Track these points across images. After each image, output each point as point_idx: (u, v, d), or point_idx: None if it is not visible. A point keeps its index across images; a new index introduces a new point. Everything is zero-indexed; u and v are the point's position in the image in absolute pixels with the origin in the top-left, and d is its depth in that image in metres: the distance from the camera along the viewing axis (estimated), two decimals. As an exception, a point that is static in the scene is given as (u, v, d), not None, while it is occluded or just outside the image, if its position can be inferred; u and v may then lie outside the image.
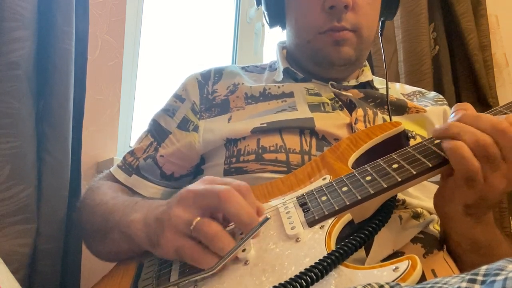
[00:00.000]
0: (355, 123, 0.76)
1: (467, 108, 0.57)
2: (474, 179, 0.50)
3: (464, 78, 1.52)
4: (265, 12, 0.89)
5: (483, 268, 0.31)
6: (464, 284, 0.30)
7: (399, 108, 0.83)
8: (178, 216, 0.52)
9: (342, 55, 0.79)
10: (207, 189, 0.52)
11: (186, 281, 0.52)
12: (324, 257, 0.45)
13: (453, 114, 0.57)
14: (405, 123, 0.80)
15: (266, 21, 0.91)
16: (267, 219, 0.49)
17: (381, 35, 0.90)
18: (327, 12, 0.77)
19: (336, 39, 0.78)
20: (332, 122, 0.76)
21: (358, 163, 0.63)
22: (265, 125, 0.76)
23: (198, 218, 0.51)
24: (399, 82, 1.36)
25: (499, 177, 0.50)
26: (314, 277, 0.43)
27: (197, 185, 0.55)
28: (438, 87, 1.47)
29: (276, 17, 0.88)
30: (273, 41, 0.96)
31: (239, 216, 0.51)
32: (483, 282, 0.30)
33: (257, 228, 0.50)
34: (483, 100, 1.47)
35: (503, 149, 0.50)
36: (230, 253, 0.49)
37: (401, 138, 0.66)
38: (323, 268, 0.44)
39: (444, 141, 0.52)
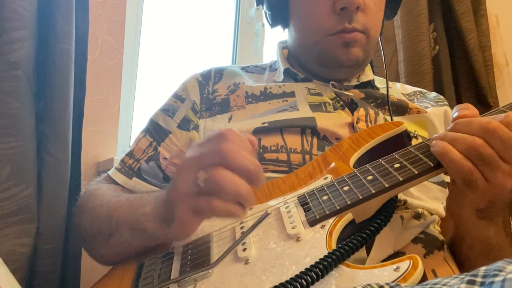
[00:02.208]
0: (356, 123, 0.76)
1: (468, 108, 0.57)
2: (471, 180, 0.51)
3: (464, 78, 1.52)
4: (267, 12, 0.88)
5: (482, 269, 0.31)
6: (463, 286, 0.30)
7: (400, 108, 0.83)
8: (183, 181, 0.51)
9: (352, 56, 0.78)
10: (204, 150, 0.50)
11: (187, 279, 0.52)
12: (325, 256, 0.45)
13: (456, 114, 0.57)
14: (406, 123, 0.80)
15: (268, 20, 0.90)
16: (267, 214, 0.49)
17: (380, 34, 0.90)
18: (338, 13, 0.76)
19: (347, 40, 0.77)
20: (333, 121, 0.76)
21: (359, 162, 0.63)
22: (266, 124, 0.75)
23: (202, 173, 0.49)
24: (399, 82, 1.36)
25: (503, 176, 0.50)
26: (315, 276, 0.43)
27: (191, 153, 0.53)
28: (438, 87, 1.47)
29: (279, 17, 0.87)
30: (273, 41, 0.96)
31: (247, 167, 0.49)
32: (482, 284, 0.30)
33: (256, 223, 0.49)
34: (483, 100, 1.47)
35: (497, 149, 0.50)
36: (229, 250, 0.48)
37: (403, 138, 0.66)
38: (323, 267, 0.44)
39: (433, 146, 0.53)
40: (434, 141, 0.54)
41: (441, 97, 0.93)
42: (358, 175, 0.56)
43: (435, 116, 0.84)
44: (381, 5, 0.82)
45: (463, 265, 0.63)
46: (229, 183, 0.48)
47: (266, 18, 0.90)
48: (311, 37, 0.81)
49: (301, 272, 0.44)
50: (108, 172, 0.84)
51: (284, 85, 0.84)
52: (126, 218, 0.63)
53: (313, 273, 0.43)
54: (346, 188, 0.55)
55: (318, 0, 0.78)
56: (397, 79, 1.47)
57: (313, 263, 0.44)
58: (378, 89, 0.87)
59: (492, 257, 0.58)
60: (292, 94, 0.82)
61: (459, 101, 1.50)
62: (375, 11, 0.79)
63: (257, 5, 0.90)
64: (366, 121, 0.77)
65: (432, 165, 0.53)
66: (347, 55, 0.78)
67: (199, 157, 0.51)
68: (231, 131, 0.51)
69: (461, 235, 0.61)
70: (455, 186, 0.57)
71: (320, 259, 0.45)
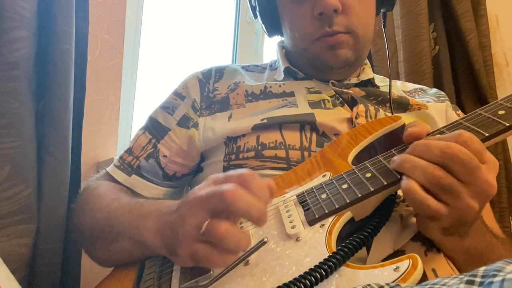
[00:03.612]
0: (356, 118, 0.76)
1: (416, 124, 0.57)
2: (435, 216, 0.50)
3: (464, 78, 1.51)
4: (262, 24, 0.90)
5: (481, 269, 0.31)
6: (462, 286, 0.30)
7: (401, 105, 0.83)
8: (189, 224, 0.50)
9: (340, 58, 0.79)
10: (210, 192, 0.50)
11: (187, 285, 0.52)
12: (325, 259, 0.45)
13: (407, 131, 0.57)
14: (408, 119, 0.80)
15: (265, 32, 0.92)
16: (264, 242, 0.48)
17: (384, 27, 0.89)
18: (318, 18, 0.77)
19: (331, 43, 0.77)
20: (332, 117, 0.76)
21: (358, 158, 0.63)
22: (265, 121, 0.76)
23: (207, 221, 0.49)
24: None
25: (466, 201, 0.49)
26: (313, 280, 0.43)
27: (202, 188, 0.52)
28: (438, 87, 1.45)
29: (273, 28, 0.89)
30: (273, 41, 0.97)
31: (249, 214, 0.48)
32: (481, 284, 0.30)
33: (252, 250, 0.49)
34: (483, 100, 1.47)
35: (457, 174, 0.48)
36: (225, 271, 0.48)
37: (402, 133, 0.66)
38: (323, 271, 0.43)
39: (403, 177, 0.51)
40: (395, 165, 0.53)
41: (442, 92, 0.93)
42: (357, 172, 0.56)
43: (436, 112, 0.84)
44: (366, 2, 0.81)
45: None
46: (230, 238, 0.47)
47: (263, 30, 0.92)
48: (299, 44, 0.82)
49: (300, 276, 0.43)
50: (107, 169, 0.83)
51: (284, 84, 0.84)
52: (127, 227, 0.63)
53: (312, 277, 0.43)
54: (344, 186, 0.55)
55: (300, 8, 0.79)
56: (397, 79, 1.47)
57: (314, 265, 0.44)
58: (378, 87, 0.88)
59: (476, 263, 0.56)
60: (291, 94, 0.82)
61: (459, 101, 1.50)
62: (358, 10, 0.78)
63: (254, 17, 0.92)
64: (366, 116, 0.77)
65: None
66: (335, 58, 0.79)
67: (206, 196, 0.50)
68: (250, 175, 0.50)
69: (440, 249, 0.59)
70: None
71: (321, 262, 0.44)
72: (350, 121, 0.76)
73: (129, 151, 0.84)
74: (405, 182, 0.50)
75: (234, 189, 0.48)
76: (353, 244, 0.47)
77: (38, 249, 0.77)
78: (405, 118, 0.80)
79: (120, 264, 0.67)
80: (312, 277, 0.43)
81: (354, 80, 0.86)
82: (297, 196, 0.58)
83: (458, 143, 0.49)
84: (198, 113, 0.83)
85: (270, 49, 1.65)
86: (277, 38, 0.96)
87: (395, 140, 0.63)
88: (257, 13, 0.89)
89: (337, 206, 0.52)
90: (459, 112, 0.89)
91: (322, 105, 0.79)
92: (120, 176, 0.81)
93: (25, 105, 0.76)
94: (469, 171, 0.48)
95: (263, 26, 0.90)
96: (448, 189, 0.48)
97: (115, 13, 1.21)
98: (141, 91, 1.34)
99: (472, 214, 0.50)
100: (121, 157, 0.84)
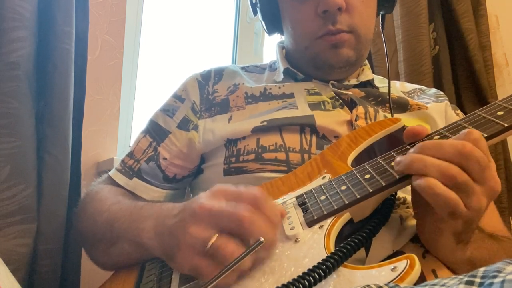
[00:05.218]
0: (355, 120, 0.76)
1: (417, 130, 0.56)
2: (456, 211, 0.48)
3: (464, 78, 1.51)
4: (262, 22, 0.89)
5: (481, 270, 0.31)
6: (461, 286, 0.30)
7: (401, 105, 0.83)
8: (193, 235, 0.49)
9: (341, 57, 0.79)
10: (225, 211, 0.49)
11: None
12: (323, 260, 0.45)
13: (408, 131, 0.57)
14: (408, 120, 0.79)
15: (264, 29, 0.91)
16: (260, 242, 0.48)
17: (382, 29, 0.89)
18: (321, 16, 0.76)
19: (333, 42, 0.77)
20: (332, 119, 0.76)
21: (358, 160, 0.63)
22: (265, 123, 0.75)
23: (215, 237, 0.48)
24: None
25: (478, 199, 0.48)
26: (312, 280, 0.43)
27: (211, 200, 0.51)
28: (438, 87, 1.46)
29: (273, 26, 0.89)
30: (273, 41, 0.97)
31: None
32: (480, 284, 0.29)
33: (250, 250, 0.49)
34: (483, 100, 1.47)
35: (472, 173, 0.48)
36: (225, 270, 0.48)
37: (401, 135, 0.66)
38: (322, 271, 0.43)
39: (414, 177, 0.49)
40: (409, 173, 0.51)
41: (441, 92, 0.93)
42: (356, 174, 0.56)
43: (435, 112, 0.84)
44: (369, 2, 0.81)
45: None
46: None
47: (263, 27, 0.91)
48: (301, 42, 0.82)
49: (299, 276, 0.43)
50: (109, 173, 0.84)
51: (283, 85, 0.84)
52: (127, 229, 0.62)
53: (310, 277, 0.43)
54: (343, 187, 0.55)
55: (303, 6, 0.78)
56: (397, 79, 1.47)
57: (312, 266, 0.44)
58: (377, 88, 0.88)
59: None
60: (291, 96, 0.82)
61: (459, 101, 1.50)
62: (361, 9, 0.78)
63: (254, 14, 0.91)
64: (365, 118, 0.77)
65: None
66: (336, 57, 0.79)
67: (220, 214, 0.49)
68: (263, 198, 0.50)
69: (443, 262, 0.58)
70: (430, 216, 0.54)
71: (319, 262, 0.44)
72: (350, 123, 0.76)
73: (131, 154, 0.84)
74: (423, 180, 0.48)
75: (252, 215, 0.48)
76: (351, 244, 0.47)
77: (38, 249, 0.77)
78: (405, 118, 0.80)
79: (120, 267, 0.67)
80: (310, 278, 0.43)
81: (353, 81, 0.86)
82: (296, 198, 0.58)
83: (469, 141, 0.49)
84: (198, 115, 0.83)
85: (270, 49, 1.65)
86: (277, 38, 0.96)
87: (395, 142, 0.63)
88: (258, 10, 0.88)
89: (335, 208, 0.52)
90: (458, 111, 0.89)
91: (322, 106, 0.79)
92: (121, 179, 0.81)
93: (25, 105, 0.77)
94: (482, 169, 0.48)
95: (263, 23, 0.89)
96: (463, 187, 0.48)
97: (115, 13, 1.21)
98: (141, 91, 1.34)
99: (480, 214, 0.50)
100: (123, 161, 0.84)
